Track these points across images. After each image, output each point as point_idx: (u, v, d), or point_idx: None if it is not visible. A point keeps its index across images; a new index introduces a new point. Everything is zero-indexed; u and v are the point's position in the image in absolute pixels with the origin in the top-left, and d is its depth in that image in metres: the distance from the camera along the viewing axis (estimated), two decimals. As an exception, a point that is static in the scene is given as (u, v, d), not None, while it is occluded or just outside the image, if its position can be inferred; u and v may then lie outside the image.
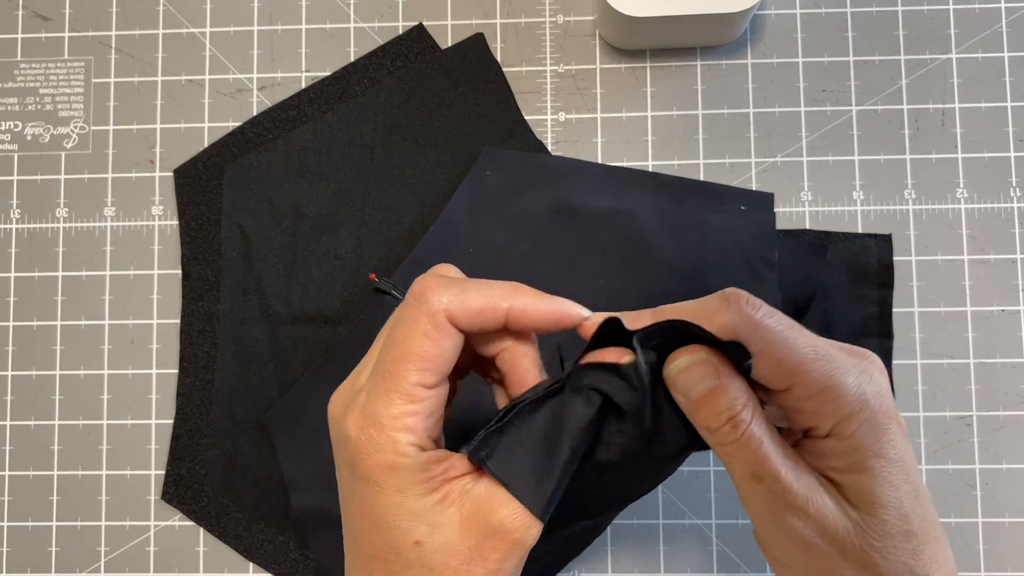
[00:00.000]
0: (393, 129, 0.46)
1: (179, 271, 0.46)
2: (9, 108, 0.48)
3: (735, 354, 0.26)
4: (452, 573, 0.27)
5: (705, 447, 0.29)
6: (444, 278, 0.29)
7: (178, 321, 0.46)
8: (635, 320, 0.29)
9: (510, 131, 0.46)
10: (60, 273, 0.47)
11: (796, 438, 0.29)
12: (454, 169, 0.46)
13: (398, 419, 0.27)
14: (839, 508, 0.27)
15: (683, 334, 0.27)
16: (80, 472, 0.46)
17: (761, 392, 0.28)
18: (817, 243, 0.45)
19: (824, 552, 0.27)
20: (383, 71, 0.46)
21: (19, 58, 0.48)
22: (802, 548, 0.28)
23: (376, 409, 0.27)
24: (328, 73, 0.47)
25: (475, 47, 0.46)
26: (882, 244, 0.45)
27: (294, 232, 0.45)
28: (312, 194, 0.46)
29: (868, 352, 0.29)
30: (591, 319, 0.29)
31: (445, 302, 0.28)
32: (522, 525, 0.27)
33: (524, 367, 0.30)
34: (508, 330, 0.30)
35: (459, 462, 0.28)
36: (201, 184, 0.46)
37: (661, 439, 0.28)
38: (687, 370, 0.27)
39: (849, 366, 0.27)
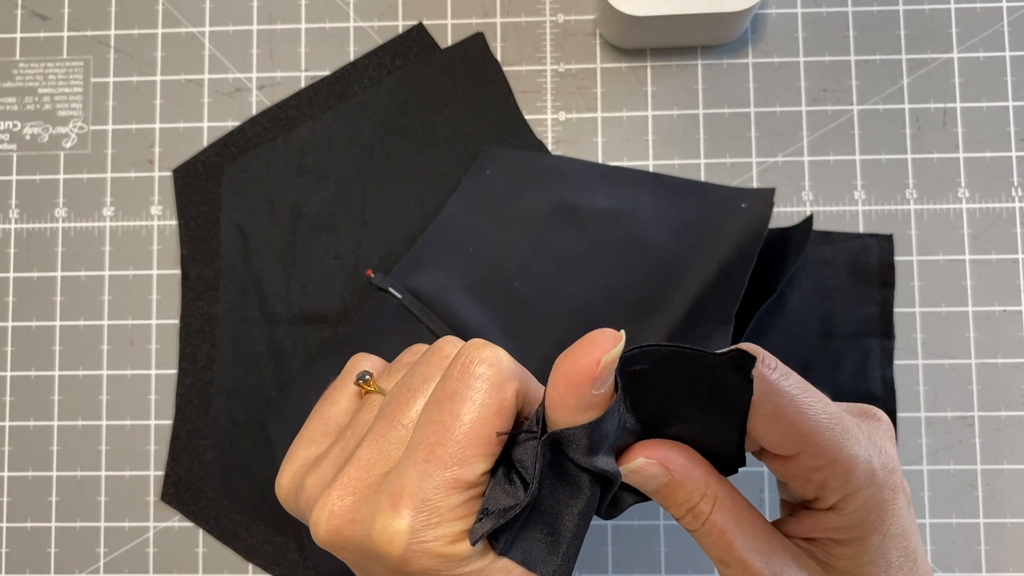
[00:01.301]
0: (393, 128, 0.46)
1: (178, 271, 0.46)
2: (8, 108, 0.48)
3: (739, 367, 0.24)
4: None
5: None
6: (510, 358, 0.26)
7: (177, 321, 0.46)
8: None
9: (510, 130, 0.46)
10: (59, 273, 0.46)
11: (792, 508, 0.29)
12: (454, 168, 0.45)
13: (454, 508, 0.24)
14: None
15: (676, 360, 0.25)
16: (79, 473, 0.45)
17: (765, 458, 0.27)
18: (806, 231, 0.44)
19: None
20: (383, 70, 0.46)
21: (18, 57, 0.48)
22: None
23: (412, 490, 0.24)
24: (328, 72, 0.47)
25: (475, 46, 0.46)
26: (883, 244, 0.44)
27: (293, 232, 0.45)
28: (311, 194, 0.45)
29: (877, 412, 0.28)
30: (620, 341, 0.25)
31: (513, 379, 0.25)
32: None
33: None
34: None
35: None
36: (200, 184, 0.46)
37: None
38: (634, 472, 0.26)
39: (860, 436, 0.26)
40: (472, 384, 0.25)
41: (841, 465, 0.25)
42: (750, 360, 0.24)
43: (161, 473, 0.45)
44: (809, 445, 0.25)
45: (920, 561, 0.28)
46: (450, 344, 0.28)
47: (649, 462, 0.26)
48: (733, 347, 0.24)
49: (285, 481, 0.29)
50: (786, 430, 0.25)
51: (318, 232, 0.45)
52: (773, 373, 0.25)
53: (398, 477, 0.24)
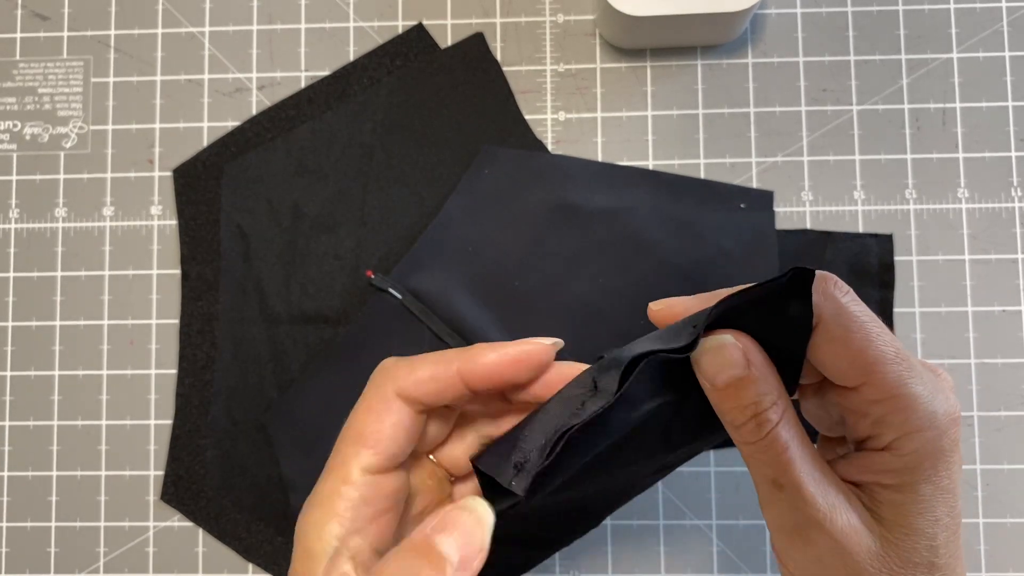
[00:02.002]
0: (392, 128, 0.46)
1: (178, 271, 0.46)
2: (8, 108, 0.48)
3: (799, 287, 0.24)
4: None
5: (726, 443, 0.27)
6: (400, 357, 0.28)
7: (177, 321, 0.46)
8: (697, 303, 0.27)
9: (510, 130, 0.46)
10: (59, 273, 0.47)
11: (843, 450, 0.28)
12: (453, 168, 0.45)
13: (328, 499, 0.26)
14: (864, 529, 0.25)
15: (740, 305, 0.24)
16: (79, 473, 0.45)
17: (825, 392, 0.27)
18: (818, 238, 0.44)
19: (840, 573, 0.26)
20: (383, 70, 0.46)
21: (18, 57, 0.48)
22: (818, 565, 0.26)
23: (316, 488, 0.26)
24: (327, 73, 0.47)
25: (474, 46, 0.46)
26: (883, 244, 0.44)
27: (293, 232, 0.45)
28: (311, 194, 0.46)
29: (941, 370, 0.27)
30: (556, 344, 0.28)
31: (392, 376, 0.27)
32: None
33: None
34: (480, 393, 0.28)
35: None
36: (200, 184, 0.46)
37: (681, 424, 0.27)
38: (714, 352, 0.25)
39: (925, 378, 0.25)
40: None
41: (903, 401, 0.25)
42: (809, 274, 0.24)
43: (161, 473, 0.45)
44: (874, 376, 0.25)
45: (959, 527, 0.26)
46: None
47: (734, 343, 0.25)
48: (792, 268, 0.24)
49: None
50: (853, 357, 0.25)
51: (318, 232, 0.45)
52: (844, 296, 0.25)
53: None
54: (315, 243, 0.45)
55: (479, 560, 0.24)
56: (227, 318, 0.45)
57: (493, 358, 0.27)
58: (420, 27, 0.47)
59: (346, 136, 0.46)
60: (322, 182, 0.46)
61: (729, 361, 0.25)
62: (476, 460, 0.26)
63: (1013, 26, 0.46)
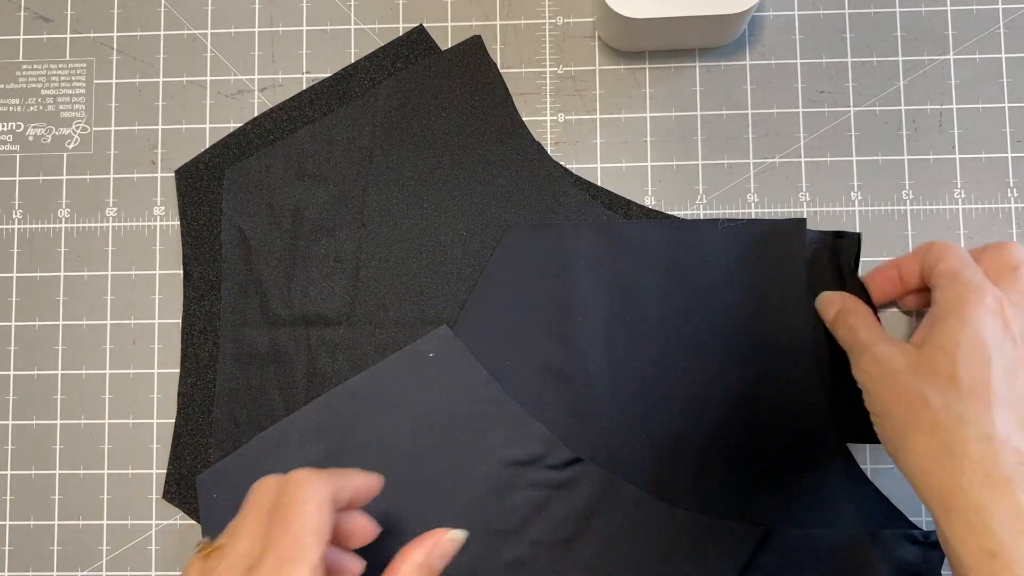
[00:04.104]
0: (392, 131, 0.46)
1: (180, 271, 0.46)
2: (11, 109, 0.48)
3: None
4: None
5: None
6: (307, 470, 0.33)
7: (179, 321, 0.46)
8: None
9: (508, 132, 0.46)
10: (62, 273, 0.47)
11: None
12: (452, 171, 0.46)
13: None
14: (898, 350, 0.36)
15: None
16: (81, 471, 0.46)
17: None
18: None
19: (888, 386, 0.36)
20: (383, 72, 0.47)
21: (21, 59, 0.48)
22: (873, 383, 0.37)
23: None
24: (328, 74, 0.47)
25: (473, 49, 0.46)
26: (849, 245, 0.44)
27: (294, 235, 0.46)
28: (311, 197, 0.46)
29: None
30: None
31: (327, 481, 0.33)
32: None
33: None
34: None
35: None
36: (203, 184, 0.47)
37: None
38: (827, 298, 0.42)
39: (973, 267, 0.37)
40: (284, 495, 0.33)
41: (946, 278, 0.37)
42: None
43: (163, 471, 0.45)
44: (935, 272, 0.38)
45: (996, 369, 0.34)
46: None
47: (837, 294, 0.43)
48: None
49: None
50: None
51: (318, 235, 0.46)
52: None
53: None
54: (315, 246, 0.45)
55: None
56: (228, 321, 0.45)
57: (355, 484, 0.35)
58: (421, 29, 0.47)
59: (345, 139, 0.46)
60: (322, 185, 0.46)
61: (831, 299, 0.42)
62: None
63: (1010, 28, 0.46)
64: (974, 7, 0.46)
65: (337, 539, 0.34)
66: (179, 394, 0.46)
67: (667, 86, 0.46)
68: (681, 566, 0.41)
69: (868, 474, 0.43)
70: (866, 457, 0.44)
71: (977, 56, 0.46)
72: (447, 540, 0.34)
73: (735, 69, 0.46)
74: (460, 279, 0.45)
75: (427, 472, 0.42)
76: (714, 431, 0.42)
